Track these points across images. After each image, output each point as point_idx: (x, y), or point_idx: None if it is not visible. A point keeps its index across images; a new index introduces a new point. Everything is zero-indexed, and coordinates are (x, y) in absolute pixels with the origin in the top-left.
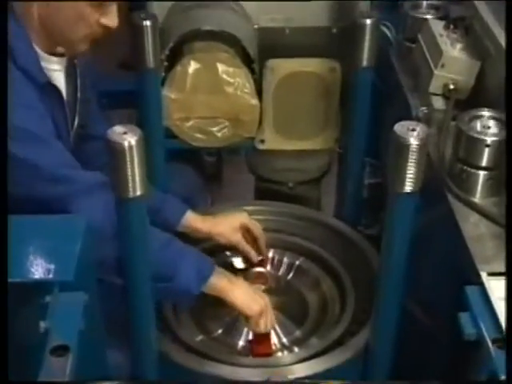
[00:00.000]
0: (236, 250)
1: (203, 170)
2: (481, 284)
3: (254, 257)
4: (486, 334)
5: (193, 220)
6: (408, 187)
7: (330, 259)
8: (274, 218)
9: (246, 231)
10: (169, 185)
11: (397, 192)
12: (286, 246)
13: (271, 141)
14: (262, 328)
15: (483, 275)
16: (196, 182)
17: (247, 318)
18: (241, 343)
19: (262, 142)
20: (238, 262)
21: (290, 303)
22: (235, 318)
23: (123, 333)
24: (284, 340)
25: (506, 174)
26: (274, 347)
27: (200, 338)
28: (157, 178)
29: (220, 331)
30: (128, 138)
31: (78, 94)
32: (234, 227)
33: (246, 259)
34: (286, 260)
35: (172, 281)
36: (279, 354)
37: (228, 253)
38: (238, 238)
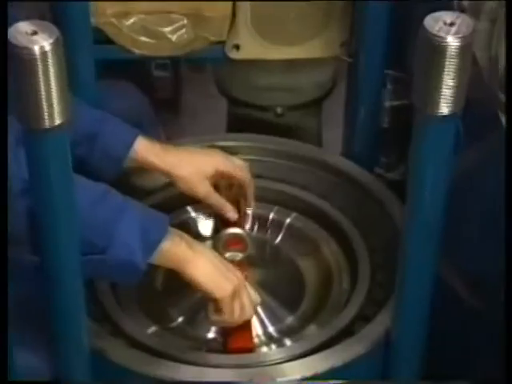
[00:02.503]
0: (204, 205)
1: (153, 91)
2: None
3: (232, 214)
4: None
5: (146, 150)
6: (444, 108)
7: (335, 215)
8: (255, 157)
9: (227, 178)
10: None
11: (429, 115)
12: (273, 197)
13: (249, 47)
14: (235, 317)
15: None
16: (142, 108)
17: (216, 304)
18: (210, 335)
19: (237, 48)
20: (206, 222)
21: (278, 277)
22: (202, 300)
23: (39, 326)
24: (271, 329)
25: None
26: (256, 339)
27: (152, 329)
28: (85, 99)
29: (180, 319)
30: (40, 41)
31: None
32: (203, 173)
33: (220, 218)
34: (272, 217)
35: (107, 251)
36: (264, 348)
37: (190, 207)
38: (206, 190)
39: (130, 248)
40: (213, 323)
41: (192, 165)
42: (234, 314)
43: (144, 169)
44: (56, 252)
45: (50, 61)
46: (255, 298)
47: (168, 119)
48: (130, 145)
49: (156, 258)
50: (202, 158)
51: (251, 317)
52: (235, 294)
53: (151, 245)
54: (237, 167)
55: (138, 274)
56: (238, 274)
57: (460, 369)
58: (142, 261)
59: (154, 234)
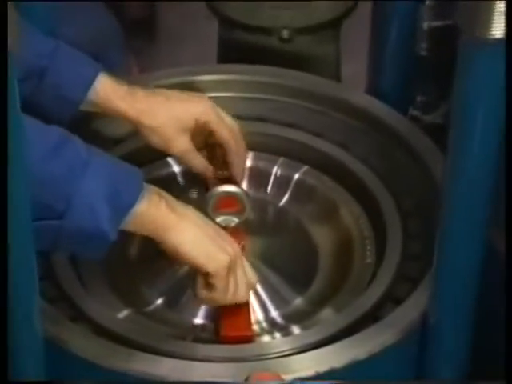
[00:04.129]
0: (182, 163)
1: (122, 10)
2: None
3: (209, 172)
4: None
5: (110, 91)
6: (498, 29)
7: (358, 169)
8: (254, 95)
9: (208, 133)
10: (57, 35)
11: (478, 39)
12: (277, 145)
13: None
14: (229, 296)
15: None
16: (109, 31)
17: (207, 278)
18: (198, 320)
19: None
20: (192, 178)
21: (284, 249)
22: (187, 276)
23: None
24: (274, 314)
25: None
26: (256, 326)
27: (123, 312)
28: (33, 22)
29: (160, 300)
30: None
31: None
32: (180, 123)
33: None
34: (276, 171)
35: (65, 216)
36: (266, 337)
37: (171, 159)
38: (184, 145)
39: (94, 211)
40: (201, 301)
41: (168, 112)
42: (227, 291)
43: (106, 115)
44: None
45: None
46: (252, 276)
47: (141, 45)
48: (89, 84)
49: (129, 224)
50: (182, 104)
51: (245, 298)
52: (231, 267)
53: (122, 207)
54: (223, 123)
55: (105, 245)
56: (234, 243)
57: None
58: (110, 228)
59: (126, 194)
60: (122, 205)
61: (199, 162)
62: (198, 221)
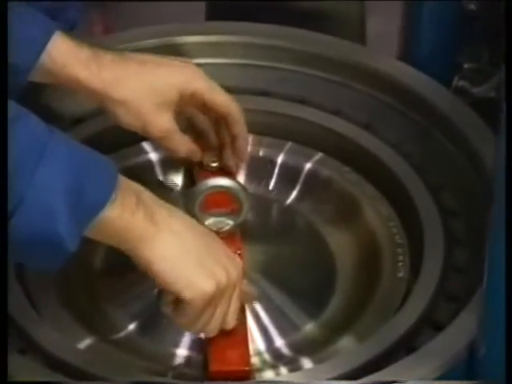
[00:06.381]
0: (162, 148)
1: None
2: None
3: (197, 158)
4: None
5: (68, 56)
6: None
7: (387, 156)
8: (253, 62)
9: (201, 107)
10: None
11: None
12: (284, 126)
13: None
14: (194, 329)
15: None
16: None
17: (180, 302)
18: (180, 351)
19: None
20: (174, 169)
21: (293, 260)
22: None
23: None
24: (279, 343)
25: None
26: (256, 359)
27: (86, 341)
28: None
29: (132, 326)
30: None
31: None
32: (160, 96)
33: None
34: (283, 159)
35: (15, 215)
36: (268, 373)
37: (146, 144)
38: (165, 125)
39: (50, 211)
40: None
41: (143, 82)
42: (196, 323)
43: (62, 87)
44: None
45: None
46: (231, 319)
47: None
48: (41, 47)
49: (93, 232)
50: (161, 70)
51: (213, 335)
52: (214, 298)
53: (86, 208)
54: (217, 89)
55: (61, 256)
56: (234, 269)
57: None
58: (68, 234)
59: (93, 191)
60: (87, 205)
61: (185, 145)
62: (185, 231)
